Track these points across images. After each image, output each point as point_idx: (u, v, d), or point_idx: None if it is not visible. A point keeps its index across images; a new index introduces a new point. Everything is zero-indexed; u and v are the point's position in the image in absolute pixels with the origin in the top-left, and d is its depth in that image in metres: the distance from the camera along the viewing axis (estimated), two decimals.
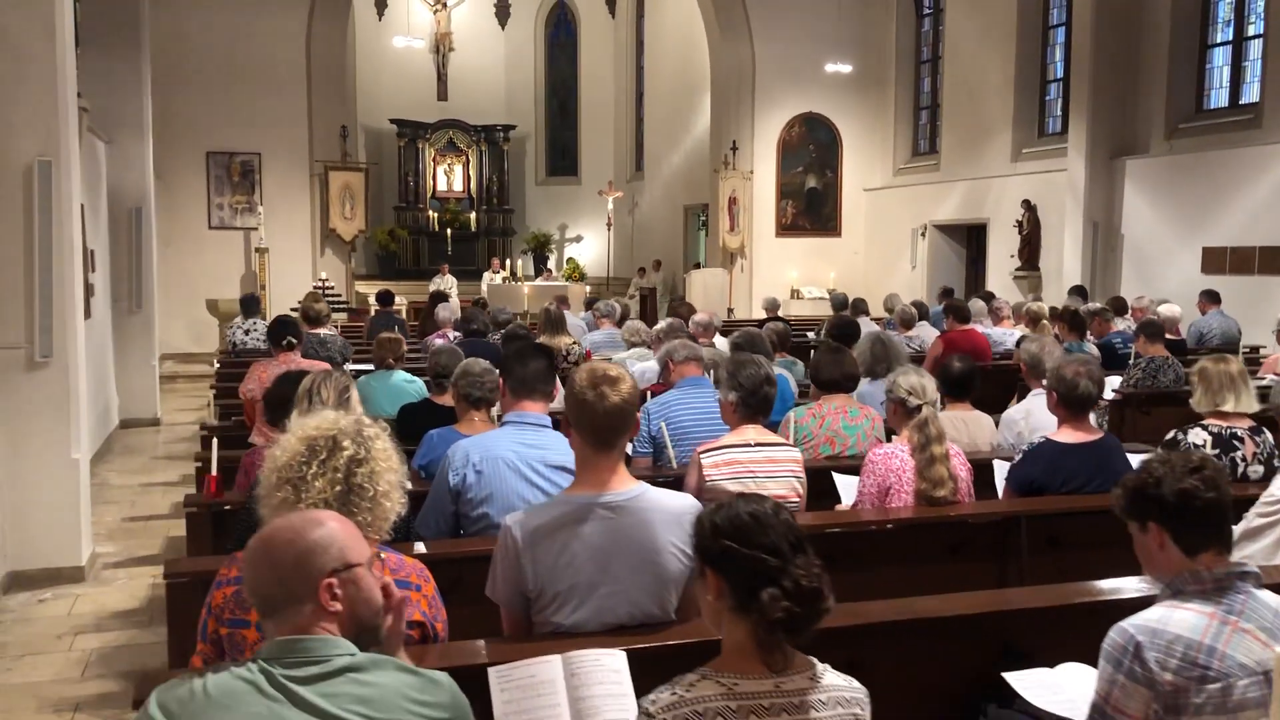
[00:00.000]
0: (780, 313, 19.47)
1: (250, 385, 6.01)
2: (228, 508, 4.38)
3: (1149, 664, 2.08)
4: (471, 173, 26.65)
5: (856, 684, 1.97)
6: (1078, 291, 13.56)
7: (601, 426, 2.69)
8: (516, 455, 3.68)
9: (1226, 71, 13.83)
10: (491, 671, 2.44)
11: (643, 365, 7.05)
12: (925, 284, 18.39)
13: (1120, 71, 14.56)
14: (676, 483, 4.70)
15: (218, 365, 10.52)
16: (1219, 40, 13.95)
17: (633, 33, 26.40)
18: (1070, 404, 4.23)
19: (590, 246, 26.81)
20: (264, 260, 17.13)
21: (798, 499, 4.02)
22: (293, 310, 15.58)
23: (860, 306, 11.88)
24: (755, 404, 4.05)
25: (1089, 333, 9.17)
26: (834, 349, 5.22)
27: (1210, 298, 11.71)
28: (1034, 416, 5.30)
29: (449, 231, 25.74)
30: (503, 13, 27.45)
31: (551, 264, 26.12)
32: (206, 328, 16.62)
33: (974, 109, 17.71)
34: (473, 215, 26.37)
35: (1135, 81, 14.57)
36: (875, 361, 6.06)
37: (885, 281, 19.57)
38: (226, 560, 2.67)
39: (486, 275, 22.77)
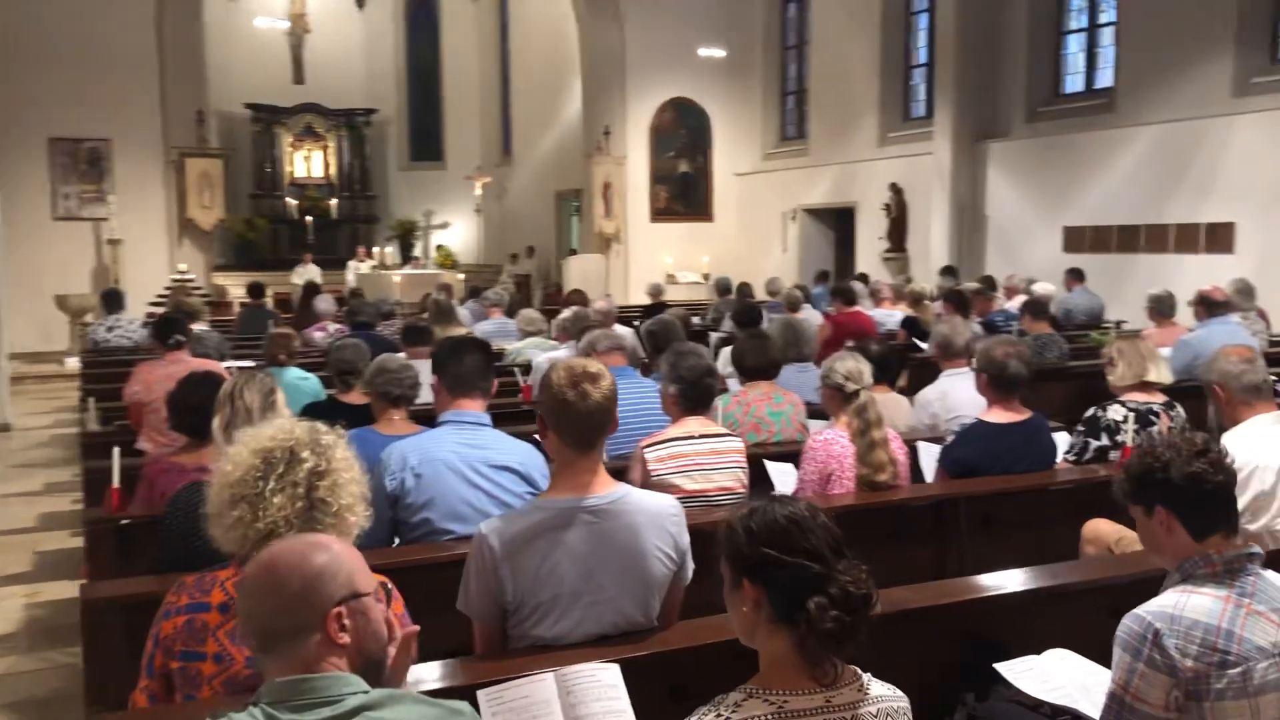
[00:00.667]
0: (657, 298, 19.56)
1: (135, 388, 5.61)
2: (125, 522, 4.06)
3: (1169, 651, 2.06)
4: (331, 159, 25.82)
5: (899, 692, 1.90)
6: (948, 271, 13.98)
7: (584, 426, 2.56)
8: (458, 456, 3.50)
9: (1082, 57, 14.39)
10: (481, 694, 2.28)
11: (549, 355, 6.88)
12: (797, 267, 18.66)
13: (983, 57, 15.01)
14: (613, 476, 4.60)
15: (80, 366, 9.90)
16: (1074, 27, 14.51)
17: (496, 15, 25.95)
18: (1000, 385, 4.28)
19: (458, 233, 26.32)
20: (117, 252, 16.23)
21: (743, 489, 3.95)
22: (154, 305, 14.86)
23: (746, 291, 11.93)
24: (697, 395, 3.96)
25: (972, 312, 9.40)
26: (756, 335, 5.18)
27: (1075, 275, 12.21)
28: (950, 398, 5.37)
29: (309, 219, 24.89)
30: None
31: (418, 251, 25.54)
32: (55, 325, 15.65)
33: (841, 94, 18.01)
34: (334, 202, 25.55)
35: (997, 67, 15.04)
36: (786, 346, 6.04)
37: (758, 265, 19.79)
38: (174, 586, 2.43)
39: (353, 264, 22.08)
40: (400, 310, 11.18)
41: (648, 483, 3.81)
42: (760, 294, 13.72)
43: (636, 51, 19.38)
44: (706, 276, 20.01)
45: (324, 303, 10.11)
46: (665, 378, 3.99)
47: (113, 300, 10.35)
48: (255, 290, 11.83)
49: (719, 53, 18.55)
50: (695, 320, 12.44)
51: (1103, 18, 14.05)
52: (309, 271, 20.52)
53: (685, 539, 2.65)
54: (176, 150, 16.91)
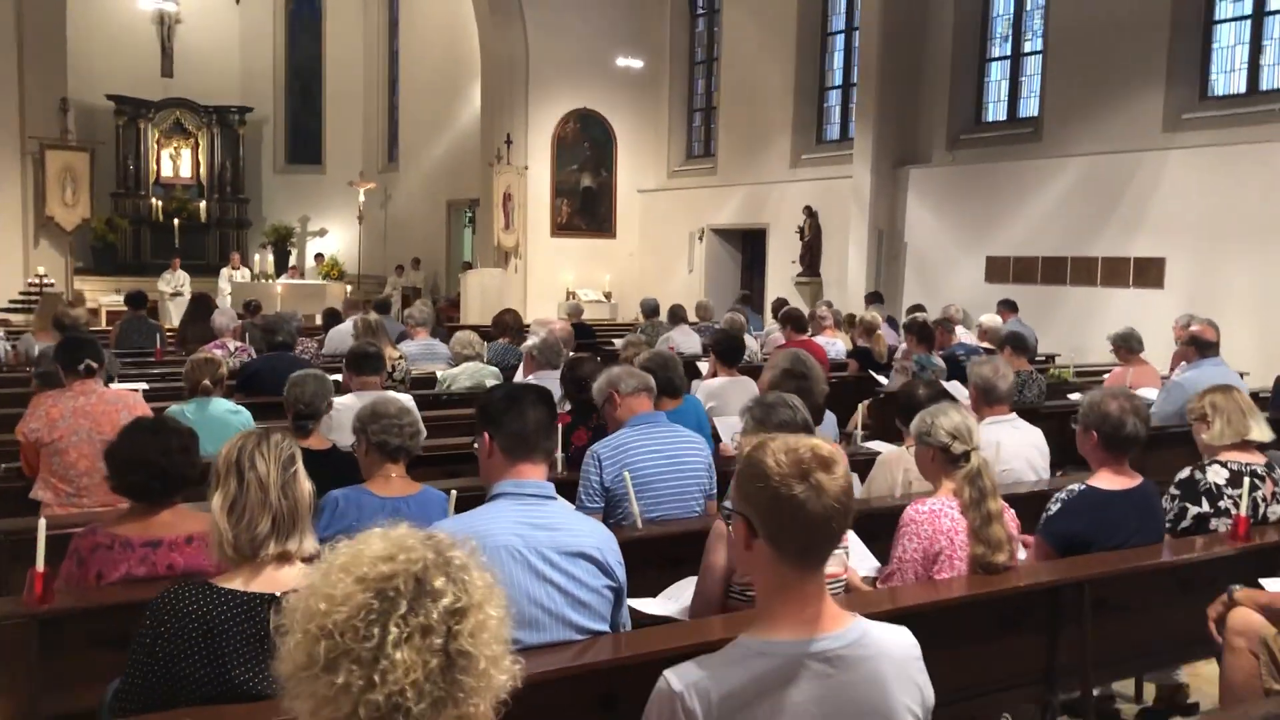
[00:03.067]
0: (559, 316, 18.79)
1: (34, 425, 4.57)
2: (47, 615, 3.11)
3: None
4: (201, 158, 24.13)
5: None
6: (875, 298, 13.65)
7: (817, 534, 1.83)
8: (523, 541, 2.71)
9: (1005, 85, 14.29)
10: None
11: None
12: (702, 288, 18.15)
13: (904, 81, 14.78)
14: (644, 544, 3.85)
15: None
16: (997, 55, 14.40)
17: (385, 14, 24.79)
18: (1114, 445, 3.70)
19: (336, 240, 24.96)
20: None
21: (846, 573, 3.26)
22: (6, 311, 13.33)
23: (679, 314, 11.27)
24: None
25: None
26: (796, 375, 4.50)
27: (1009, 307, 11.96)
28: (1003, 449, 4.80)
29: (176, 221, 23.17)
30: None
31: (293, 259, 24.10)
32: None
33: (752, 113, 17.61)
34: (203, 204, 23.90)
35: (918, 92, 14.84)
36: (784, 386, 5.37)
37: (661, 285, 19.19)
38: None
39: (225, 271, 20.56)
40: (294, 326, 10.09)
41: (736, 569, 3.08)
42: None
43: (540, 58, 18.60)
44: (608, 295, 19.35)
45: (223, 316, 8.99)
46: (749, 434, 3.27)
47: None
48: (136, 299, 10.56)
49: (636, 63, 17.95)
50: (617, 344, 11.74)
51: (1027, 46, 13.97)
52: (177, 278, 19.02)
53: (930, 691, 1.94)
54: (36, 141, 15.30)
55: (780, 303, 14.45)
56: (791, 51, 16.87)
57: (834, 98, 16.89)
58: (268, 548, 2.44)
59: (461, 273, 20.88)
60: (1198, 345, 7.08)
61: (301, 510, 2.50)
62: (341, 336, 10.03)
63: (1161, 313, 11.85)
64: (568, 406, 5.16)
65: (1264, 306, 10.85)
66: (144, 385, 6.72)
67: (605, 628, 2.83)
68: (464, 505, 3.26)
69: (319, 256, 23.07)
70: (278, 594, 2.39)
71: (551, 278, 19.07)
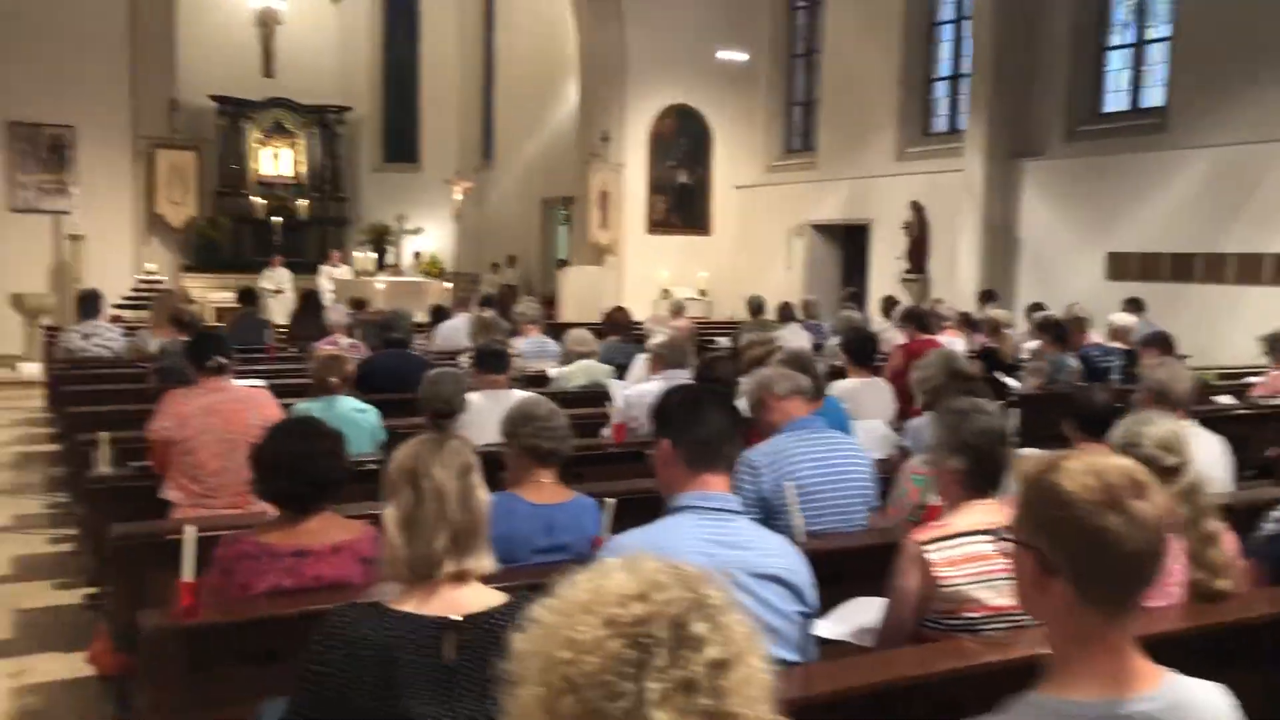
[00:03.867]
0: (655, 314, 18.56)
1: (165, 423, 4.47)
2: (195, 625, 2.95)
3: None
4: (301, 157, 24.40)
5: None
6: (989, 296, 13.14)
7: (1135, 575, 1.54)
8: (710, 561, 2.44)
9: (1127, 75, 13.66)
10: None
11: (637, 389, 5.82)
12: (801, 285, 17.76)
13: (1019, 72, 14.23)
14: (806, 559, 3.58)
15: (48, 378, 8.65)
16: (1118, 43, 13.78)
17: (481, 14, 24.82)
18: None
19: (431, 239, 25.06)
20: (78, 249, 14.84)
21: None
22: (120, 307, 13.54)
23: (789, 312, 10.96)
24: (988, 472, 2.94)
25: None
26: (961, 377, 4.18)
27: (1135, 306, 11.38)
28: None
29: (276, 219, 23.49)
30: None
31: (390, 257, 24.29)
32: (6, 325, 14.26)
33: (855, 106, 17.18)
34: (302, 203, 24.18)
35: (1033, 83, 14.27)
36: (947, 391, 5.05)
37: (758, 283, 18.81)
38: None
39: (325, 269, 20.75)
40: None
41: (934, 594, 2.79)
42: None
43: (638, 54, 18.39)
44: (704, 293, 19.06)
45: (335, 313, 8.94)
46: (941, 446, 2.97)
47: (89, 304, 9.08)
48: (247, 296, 10.62)
49: (740, 56, 17.66)
50: (724, 343, 11.46)
51: (1151, 33, 13.32)
52: (278, 275, 19.23)
53: None
54: (146, 140, 15.55)
55: (890, 300, 14.02)
56: (897, 42, 16.39)
57: (941, 89, 16.38)
58: (445, 566, 2.23)
59: (557, 270, 20.82)
60: None
61: (480, 524, 2.28)
62: (451, 332, 9.95)
63: None
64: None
65: None
66: (260, 382, 6.66)
67: (797, 656, 2.58)
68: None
69: (417, 254, 23.18)
70: (457, 618, 2.18)
71: (647, 275, 18.84)
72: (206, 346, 4.62)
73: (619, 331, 8.89)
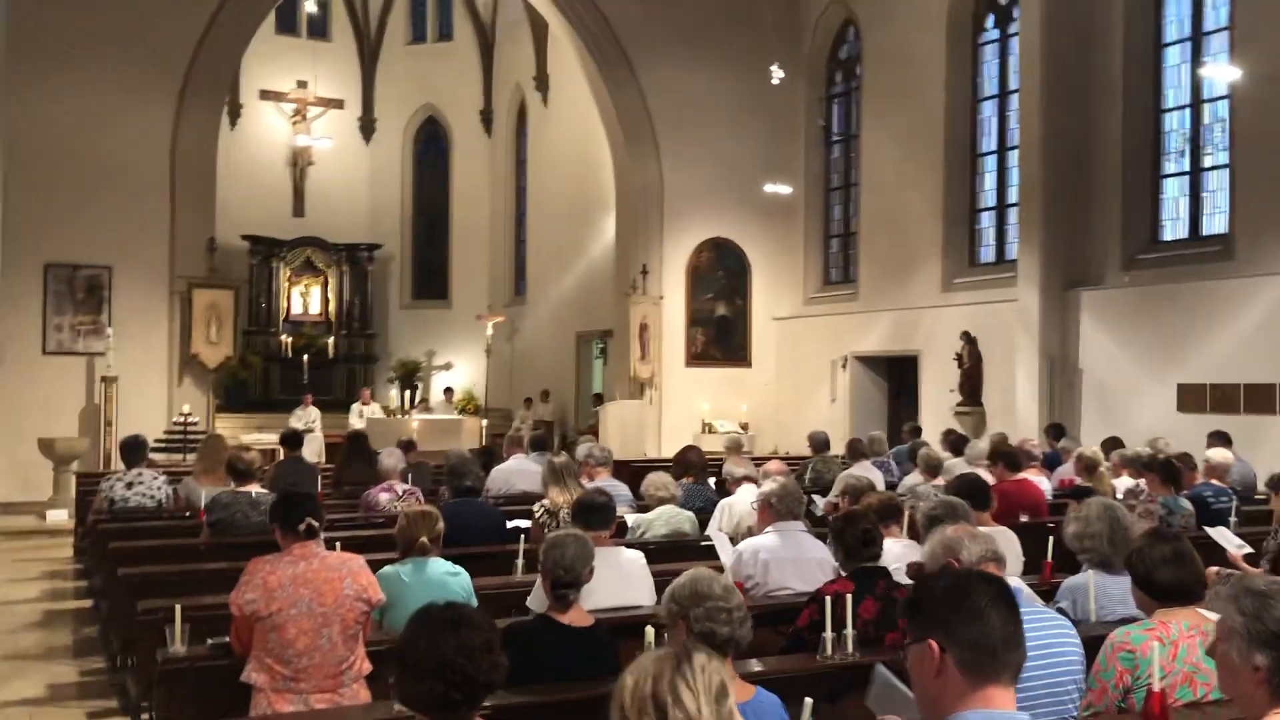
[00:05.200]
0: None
1: (250, 595, 3.93)
2: None
3: None
4: (330, 294, 24.37)
5: None
6: (1056, 430, 12.63)
7: None
8: None
9: (1184, 203, 13.43)
10: None
11: (755, 543, 5.27)
12: (848, 418, 17.30)
13: (1070, 200, 14.03)
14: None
15: (85, 528, 8.14)
16: (1174, 170, 13.59)
17: (512, 151, 25.07)
18: None
19: (461, 374, 24.78)
20: (111, 391, 14.49)
21: None
22: (154, 450, 13.07)
23: (860, 448, 10.44)
24: None
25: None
26: (1170, 539, 3.64)
27: (1221, 439, 10.83)
28: None
29: (305, 358, 23.26)
30: (367, 127, 25.69)
31: (420, 394, 23.97)
32: (35, 471, 13.82)
33: (896, 237, 17.00)
34: (330, 340, 23.99)
35: (1086, 211, 14.05)
36: (1114, 548, 4.52)
37: (801, 415, 18.44)
38: None
39: (356, 407, 20.44)
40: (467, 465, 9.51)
41: None
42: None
43: (675, 189, 18.38)
44: (745, 426, 18.55)
45: (391, 457, 8.44)
46: (1244, 638, 2.43)
47: (134, 451, 8.64)
48: (292, 440, 10.13)
49: (784, 189, 17.63)
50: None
51: (1208, 160, 13.13)
52: (309, 415, 18.91)
53: None
54: (184, 280, 15.36)
55: (950, 433, 13.52)
56: (939, 173, 16.30)
57: (986, 219, 16.20)
58: None
59: (594, 405, 20.41)
60: None
61: None
62: (505, 476, 9.45)
63: None
64: (841, 574, 4.37)
65: None
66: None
67: None
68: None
69: (448, 390, 22.83)
70: None
71: (686, 408, 18.42)
72: (298, 507, 4.13)
73: (690, 472, 8.38)
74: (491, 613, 4.96)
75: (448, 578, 4.68)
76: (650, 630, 3.66)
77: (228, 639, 4.15)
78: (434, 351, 25.36)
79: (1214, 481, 8.34)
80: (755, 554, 5.15)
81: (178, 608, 4.10)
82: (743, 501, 7.48)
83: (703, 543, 7.32)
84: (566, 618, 3.76)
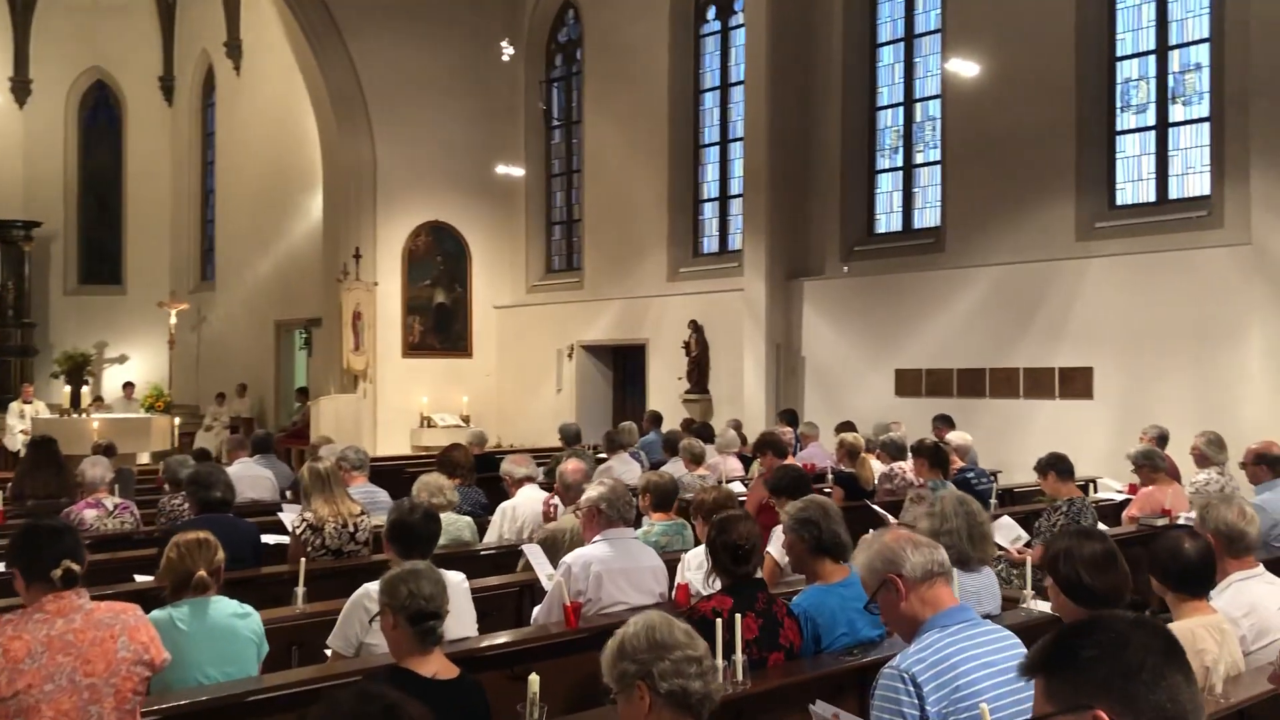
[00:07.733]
0: (415, 444, 17.17)
1: None
2: None
3: None
4: None
5: None
6: (789, 416, 12.89)
7: None
8: None
9: (898, 197, 14.08)
10: None
11: (584, 554, 4.71)
12: (574, 408, 16.99)
13: (794, 192, 14.37)
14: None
15: None
16: (887, 166, 14.22)
17: (198, 123, 22.85)
18: None
19: (139, 368, 22.34)
20: None
21: None
22: None
23: (618, 439, 10.07)
24: None
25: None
26: (1096, 537, 3.44)
27: (946, 422, 11.43)
28: (1257, 613, 3.89)
29: None
30: (21, 89, 22.56)
31: (92, 389, 21.34)
32: None
33: (621, 225, 16.86)
34: None
35: (807, 203, 14.45)
36: (974, 545, 4.36)
37: (525, 406, 18.01)
38: None
39: (15, 406, 17.97)
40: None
41: None
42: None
43: (388, 169, 17.34)
44: (466, 419, 17.85)
45: (97, 467, 7.15)
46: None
47: None
48: None
49: (517, 171, 17.01)
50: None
51: (919, 157, 13.83)
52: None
53: None
54: None
55: (690, 422, 13.52)
56: (664, 162, 16.28)
57: (710, 209, 16.36)
58: None
59: (297, 400, 18.97)
60: (1269, 463, 6.52)
61: None
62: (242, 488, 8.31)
63: (1092, 423, 11.63)
64: (717, 586, 3.92)
65: (1202, 414, 10.65)
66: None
67: None
68: None
69: (129, 385, 20.46)
70: None
71: (404, 401, 17.47)
72: (47, 544, 3.14)
73: (458, 474, 7.67)
74: (275, 653, 4.11)
75: (235, 620, 3.81)
76: (535, 679, 3.03)
77: None
78: (106, 343, 22.72)
79: (960, 463, 8.63)
80: (586, 566, 4.60)
81: None
82: (526, 504, 6.92)
83: (483, 552, 6.71)
84: (429, 668, 3.05)
